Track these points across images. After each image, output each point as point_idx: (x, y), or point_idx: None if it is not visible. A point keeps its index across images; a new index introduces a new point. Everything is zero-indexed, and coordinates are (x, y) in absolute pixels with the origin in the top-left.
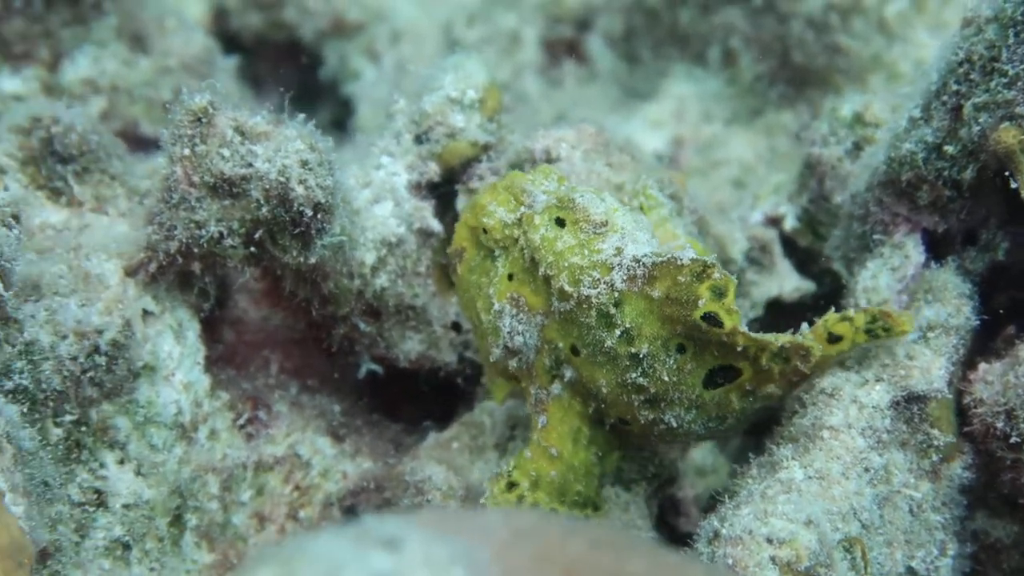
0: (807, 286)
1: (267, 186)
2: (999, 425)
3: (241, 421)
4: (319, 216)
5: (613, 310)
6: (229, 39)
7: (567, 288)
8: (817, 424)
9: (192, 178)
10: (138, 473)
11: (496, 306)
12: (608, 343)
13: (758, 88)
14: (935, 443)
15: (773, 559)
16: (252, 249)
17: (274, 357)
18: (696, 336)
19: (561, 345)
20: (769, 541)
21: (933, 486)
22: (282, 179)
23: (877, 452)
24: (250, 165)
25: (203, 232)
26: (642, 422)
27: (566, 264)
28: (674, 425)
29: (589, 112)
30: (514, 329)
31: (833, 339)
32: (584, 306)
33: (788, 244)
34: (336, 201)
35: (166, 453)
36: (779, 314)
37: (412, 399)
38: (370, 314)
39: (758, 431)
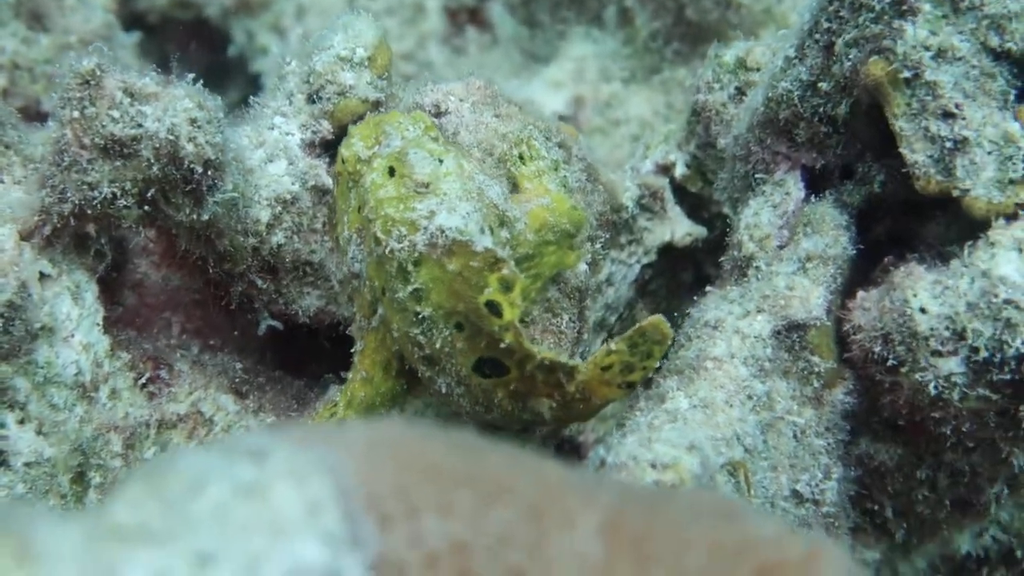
0: (699, 231)
1: (157, 145)
2: (877, 349)
3: (143, 380)
4: (210, 173)
5: (411, 267)
6: (135, 19)
7: (379, 235)
8: (701, 355)
9: (83, 140)
10: (39, 432)
11: (346, 233)
12: (400, 295)
13: (654, 46)
14: (816, 370)
15: (656, 483)
16: (146, 209)
17: (175, 318)
18: (474, 321)
19: (376, 284)
20: (652, 466)
21: (816, 412)
22: (172, 137)
23: (760, 380)
24: (140, 125)
25: (96, 193)
26: (421, 377)
27: (382, 213)
28: (444, 392)
29: (492, 77)
30: (355, 256)
31: (606, 368)
32: (389, 255)
33: (679, 191)
34: (227, 158)
35: (67, 412)
36: (672, 259)
37: (314, 354)
38: (267, 271)
39: None
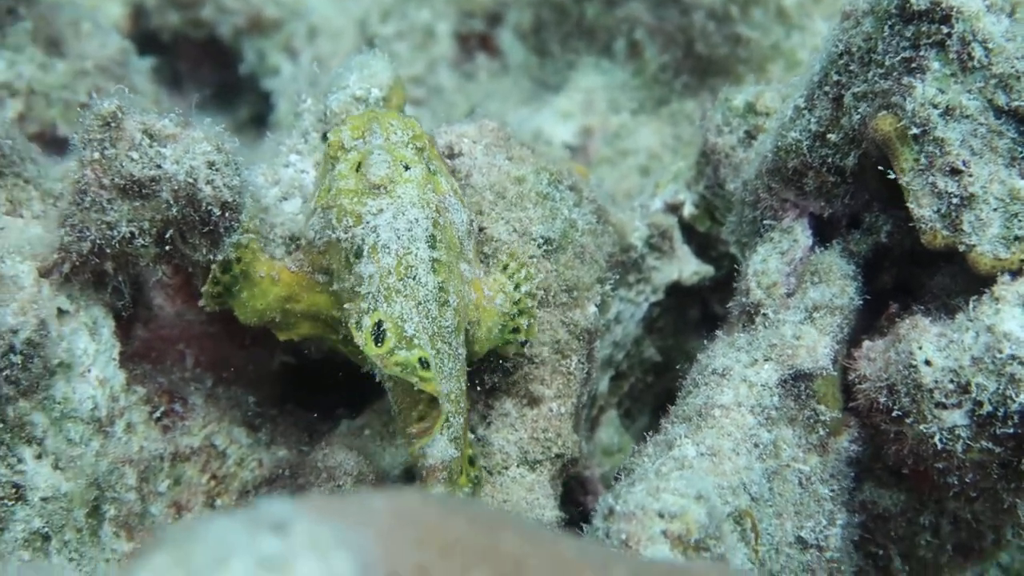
0: (706, 269)
1: (175, 187)
2: (882, 400)
3: (157, 414)
4: (227, 215)
5: (352, 259)
6: (148, 38)
7: (333, 221)
8: (709, 403)
9: (103, 180)
10: (56, 467)
11: (313, 204)
12: (346, 284)
13: (663, 78)
14: (822, 418)
15: (664, 533)
16: (163, 248)
17: (189, 351)
18: None
19: (335, 265)
20: (661, 516)
21: (821, 459)
22: (190, 180)
23: (766, 428)
24: (159, 167)
25: (115, 232)
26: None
27: (339, 202)
28: (378, 378)
29: (502, 104)
30: (314, 226)
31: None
32: (338, 243)
33: (688, 230)
34: (244, 200)
35: (83, 447)
36: (679, 296)
37: (326, 388)
38: None
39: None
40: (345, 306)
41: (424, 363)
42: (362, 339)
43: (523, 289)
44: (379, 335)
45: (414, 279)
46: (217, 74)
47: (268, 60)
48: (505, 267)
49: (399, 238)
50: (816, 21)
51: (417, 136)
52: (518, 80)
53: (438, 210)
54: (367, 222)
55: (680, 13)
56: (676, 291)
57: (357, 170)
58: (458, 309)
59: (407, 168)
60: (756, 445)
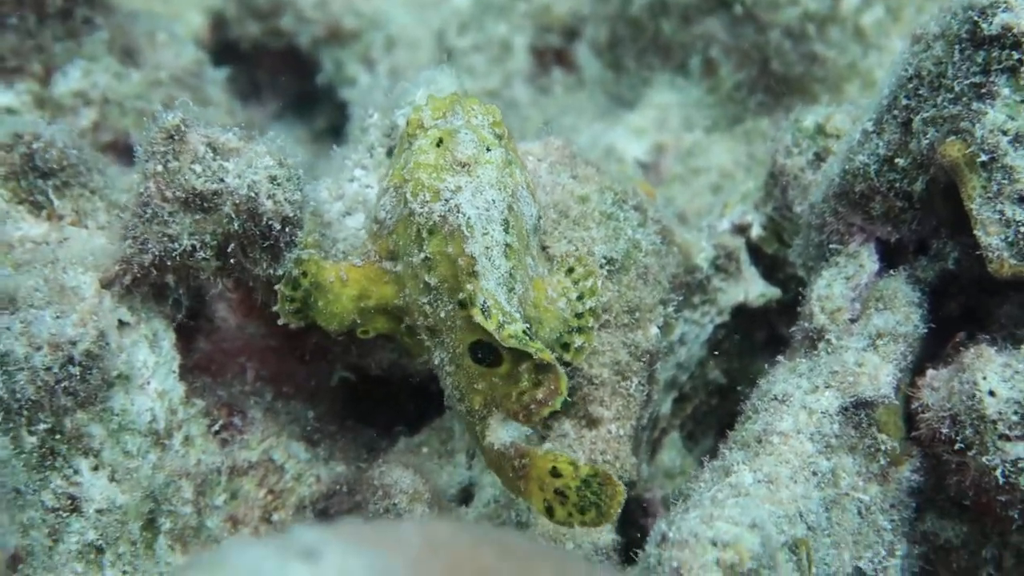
0: (772, 292)
1: (237, 201)
2: (944, 430)
3: (216, 427)
4: (287, 229)
5: (425, 234)
6: (228, 48)
7: (408, 196)
8: (768, 429)
9: (165, 193)
10: (112, 479)
11: (385, 184)
12: (414, 259)
13: (737, 96)
14: (883, 447)
15: (717, 561)
16: (224, 261)
17: (250, 364)
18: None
19: (401, 242)
20: (713, 544)
21: (881, 489)
22: (252, 194)
23: (825, 456)
24: (221, 180)
25: (176, 245)
26: (419, 343)
27: (416, 176)
28: (437, 364)
29: (576, 119)
30: (385, 206)
31: (555, 473)
32: (410, 218)
33: (755, 251)
34: (305, 215)
35: (140, 459)
36: (745, 318)
37: (385, 404)
38: None
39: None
40: (427, 279)
41: (528, 334)
42: (477, 314)
43: (587, 304)
44: (485, 310)
45: (490, 260)
46: (295, 84)
47: (345, 70)
48: (571, 270)
49: (479, 218)
50: (894, 40)
51: (497, 123)
52: (593, 95)
53: (513, 196)
54: (445, 199)
55: (756, 31)
56: (742, 313)
57: (438, 147)
58: (521, 299)
59: (488, 150)
60: (815, 473)
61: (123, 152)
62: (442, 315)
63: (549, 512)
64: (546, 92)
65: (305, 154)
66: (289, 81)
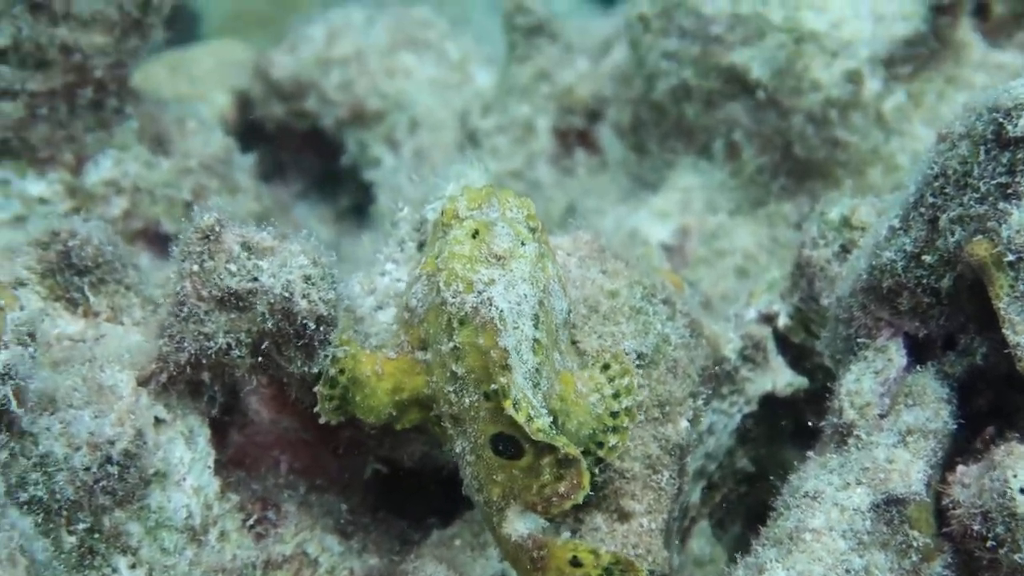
0: (800, 381)
1: (272, 300)
2: (976, 527)
3: (251, 522)
4: (322, 328)
5: (456, 324)
6: (253, 129)
7: (441, 285)
8: (800, 526)
9: (201, 292)
10: None
11: (417, 271)
12: (443, 348)
13: (760, 180)
14: (915, 544)
15: None
16: (259, 359)
17: (283, 458)
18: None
19: (431, 331)
20: None
21: None
22: (286, 294)
23: (858, 554)
24: (256, 279)
25: (212, 344)
26: (442, 431)
27: (450, 266)
28: (458, 453)
29: (599, 201)
30: (416, 293)
31: (575, 562)
32: (442, 307)
33: (782, 340)
34: (338, 313)
35: (177, 556)
36: (773, 407)
37: (417, 496)
38: None
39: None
40: (454, 368)
41: (553, 427)
42: (509, 406)
43: (624, 403)
44: (516, 403)
45: (518, 354)
46: (319, 164)
47: (370, 151)
48: (606, 366)
49: (510, 311)
50: (915, 125)
51: (531, 216)
52: (616, 176)
53: (545, 290)
54: (478, 291)
55: (779, 116)
56: (770, 402)
57: (473, 238)
58: (546, 394)
59: (523, 244)
60: (848, 571)
61: (153, 240)
62: (466, 404)
63: None
64: (569, 173)
65: (329, 233)
66: (313, 161)
